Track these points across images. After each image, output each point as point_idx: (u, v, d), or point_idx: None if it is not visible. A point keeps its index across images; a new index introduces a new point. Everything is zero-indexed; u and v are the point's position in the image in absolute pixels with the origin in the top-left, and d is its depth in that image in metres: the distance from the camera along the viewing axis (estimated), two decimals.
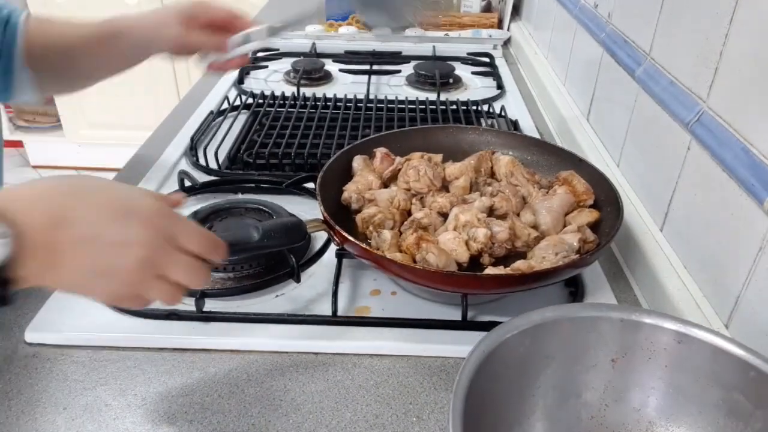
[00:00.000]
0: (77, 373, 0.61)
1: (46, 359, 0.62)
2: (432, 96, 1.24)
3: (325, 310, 0.67)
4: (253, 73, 1.37)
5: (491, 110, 1.17)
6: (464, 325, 0.66)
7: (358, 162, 0.81)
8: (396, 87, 1.33)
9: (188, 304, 0.66)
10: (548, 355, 0.50)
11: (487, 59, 1.46)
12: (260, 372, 0.62)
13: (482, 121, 1.12)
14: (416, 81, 1.32)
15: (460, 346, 0.63)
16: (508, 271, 0.65)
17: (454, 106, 1.17)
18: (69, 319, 0.65)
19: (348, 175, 0.81)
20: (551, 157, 0.84)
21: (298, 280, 0.71)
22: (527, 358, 0.49)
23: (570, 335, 0.51)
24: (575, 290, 0.71)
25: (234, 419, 0.57)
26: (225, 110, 1.14)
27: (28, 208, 0.43)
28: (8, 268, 0.41)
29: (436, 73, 1.30)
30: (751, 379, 0.46)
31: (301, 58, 1.40)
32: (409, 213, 0.75)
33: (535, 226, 0.73)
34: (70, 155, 2.95)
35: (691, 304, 0.64)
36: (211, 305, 0.67)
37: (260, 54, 1.45)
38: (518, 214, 0.75)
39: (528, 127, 1.13)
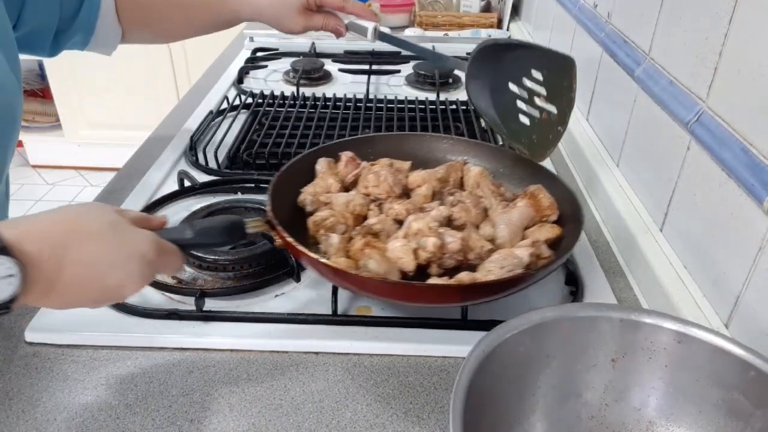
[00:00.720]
0: (77, 372, 0.61)
1: (46, 359, 0.62)
2: (431, 96, 1.24)
3: (326, 309, 0.67)
4: (252, 72, 1.37)
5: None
6: (464, 325, 0.66)
7: (321, 164, 0.79)
8: (395, 87, 1.33)
9: (188, 304, 0.66)
10: (548, 354, 0.50)
11: None
12: (260, 371, 0.62)
13: (482, 120, 1.12)
14: (416, 81, 1.32)
15: (460, 346, 0.63)
16: (447, 281, 0.62)
17: (454, 106, 1.17)
18: (69, 319, 0.65)
19: (312, 177, 0.79)
20: (525, 171, 0.80)
21: (298, 280, 0.71)
22: (527, 358, 0.49)
23: (570, 335, 0.51)
24: (575, 290, 0.71)
25: (234, 419, 0.57)
26: (224, 110, 1.14)
27: (36, 251, 0.45)
28: (11, 301, 0.44)
29: (436, 73, 1.30)
30: (751, 379, 0.46)
31: (301, 57, 1.40)
32: (365, 219, 0.73)
33: (492, 239, 0.70)
34: (70, 155, 2.95)
35: (691, 304, 0.64)
36: (211, 305, 0.67)
37: (259, 54, 1.45)
38: (478, 226, 0.72)
39: None
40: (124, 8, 0.85)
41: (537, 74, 0.76)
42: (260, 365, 0.62)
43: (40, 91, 2.94)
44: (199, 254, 0.71)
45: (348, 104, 1.18)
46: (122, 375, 0.61)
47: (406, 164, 0.80)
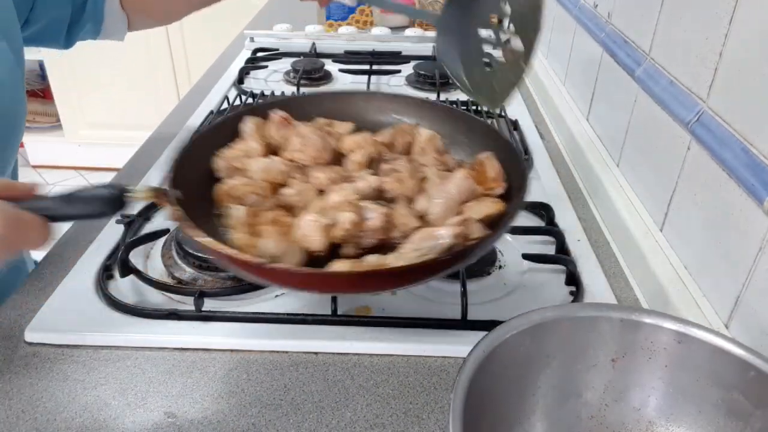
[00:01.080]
0: (77, 372, 0.61)
1: (46, 359, 0.62)
2: (432, 96, 1.24)
3: (325, 309, 0.67)
4: (252, 73, 1.37)
5: (491, 110, 1.17)
6: (464, 325, 0.66)
7: (248, 126, 0.66)
8: (396, 87, 1.32)
9: (188, 304, 0.66)
10: (548, 354, 0.50)
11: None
12: (260, 372, 0.62)
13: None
14: (416, 81, 1.32)
15: (460, 346, 0.63)
16: (341, 269, 0.53)
17: (454, 106, 1.17)
18: (69, 319, 0.65)
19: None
20: (482, 137, 0.69)
21: None
22: (527, 358, 0.49)
23: (570, 335, 0.51)
24: (575, 290, 0.71)
25: (234, 419, 0.57)
26: (225, 110, 1.14)
27: None
28: None
29: (436, 73, 1.30)
30: (751, 379, 0.46)
31: (301, 58, 1.40)
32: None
33: (424, 215, 0.60)
34: (70, 155, 2.95)
35: (691, 304, 0.64)
36: (210, 305, 0.67)
37: (260, 54, 1.46)
38: (413, 200, 0.62)
39: (527, 127, 1.13)
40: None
41: (505, 6, 0.70)
42: (260, 365, 0.62)
43: (41, 91, 2.94)
44: (199, 254, 0.71)
45: None
46: (122, 375, 0.61)
47: (346, 126, 0.70)
